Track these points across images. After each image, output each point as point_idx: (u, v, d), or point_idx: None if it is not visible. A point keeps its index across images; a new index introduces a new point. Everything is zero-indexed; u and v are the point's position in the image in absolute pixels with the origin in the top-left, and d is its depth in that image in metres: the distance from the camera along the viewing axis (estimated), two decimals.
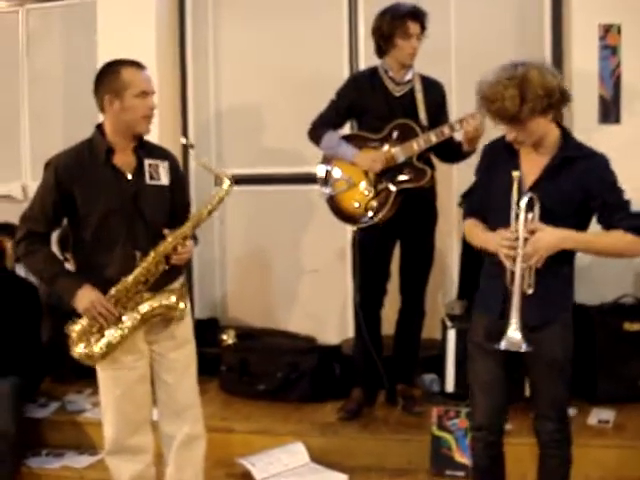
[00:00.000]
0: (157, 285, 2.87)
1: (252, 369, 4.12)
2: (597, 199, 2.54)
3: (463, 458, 3.41)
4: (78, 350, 2.84)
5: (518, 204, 2.49)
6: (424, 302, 3.83)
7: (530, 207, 2.48)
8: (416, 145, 3.54)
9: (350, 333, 4.25)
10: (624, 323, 3.92)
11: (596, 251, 2.63)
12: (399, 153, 3.58)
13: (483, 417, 2.75)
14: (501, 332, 2.53)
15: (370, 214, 3.63)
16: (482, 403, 2.74)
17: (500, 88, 2.41)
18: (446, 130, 3.48)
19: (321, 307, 4.74)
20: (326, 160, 3.76)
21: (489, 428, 2.76)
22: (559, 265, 2.57)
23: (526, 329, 2.50)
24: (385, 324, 3.87)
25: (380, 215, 3.61)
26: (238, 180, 3.00)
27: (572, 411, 3.77)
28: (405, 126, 3.57)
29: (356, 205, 3.65)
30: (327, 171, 3.75)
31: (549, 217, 2.51)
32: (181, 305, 2.90)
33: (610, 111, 4.24)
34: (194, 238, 2.96)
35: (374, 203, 3.61)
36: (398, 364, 3.90)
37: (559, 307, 2.66)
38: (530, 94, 2.40)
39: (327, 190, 3.74)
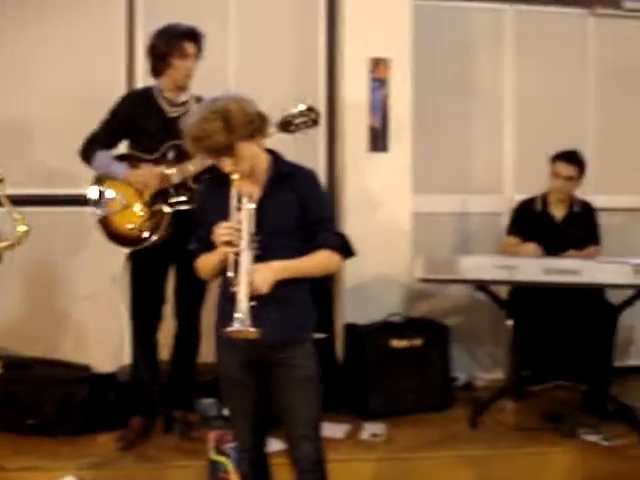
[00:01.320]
0: None
1: (20, 402, 3.88)
2: (310, 213, 2.67)
3: None
4: None
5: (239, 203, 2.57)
6: (199, 326, 3.81)
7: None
8: (192, 166, 3.52)
9: (127, 360, 4.12)
10: (392, 340, 4.13)
11: (309, 274, 2.71)
12: (174, 174, 3.55)
13: (247, 439, 2.80)
14: (256, 361, 2.65)
15: (144, 236, 3.56)
16: (244, 426, 2.79)
17: (205, 124, 2.50)
18: None
19: (96, 334, 4.57)
20: (99, 180, 3.67)
21: (253, 449, 2.81)
22: (293, 285, 2.64)
23: (276, 348, 2.60)
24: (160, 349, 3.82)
25: (154, 237, 3.56)
26: None
27: (345, 427, 3.91)
28: (180, 147, 3.51)
29: (130, 227, 3.57)
30: (100, 191, 3.65)
31: (277, 235, 2.61)
32: None
33: (379, 140, 4.48)
34: None
35: (148, 225, 3.56)
36: (175, 390, 3.84)
37: (306, 324, 2.76)
38: (234, 122, 2.51)
39: (99, 211, 3.63)
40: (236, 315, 2.45)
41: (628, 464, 3.74)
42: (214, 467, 3.42)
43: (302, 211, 2.65)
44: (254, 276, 2.51)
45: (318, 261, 2.67)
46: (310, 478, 2.74)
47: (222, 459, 3.42)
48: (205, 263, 2.72)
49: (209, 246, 2.63)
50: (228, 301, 2.60)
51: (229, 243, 2.53)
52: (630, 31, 5.20)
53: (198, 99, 3.67)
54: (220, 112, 2.50)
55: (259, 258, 2.54)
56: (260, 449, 2.84)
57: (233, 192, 2.58)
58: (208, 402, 4.02)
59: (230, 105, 2.53)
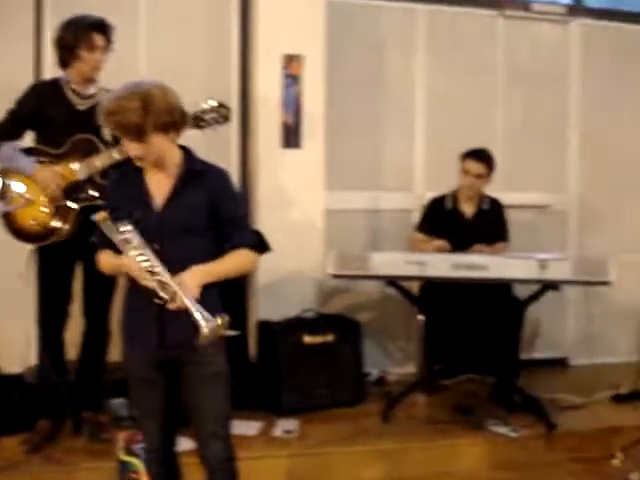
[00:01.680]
0: None
1: None
2: (221, 212, 2.63)
3: None
4: None
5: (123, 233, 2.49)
6: (109, 324, 3.73)
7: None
8: (98, 161, 3.44)
9: (34, 360, 4.00)
10: (304, 336, 4.14)
11: (230, 275, 2.65)
12: (80, 169, 3.46)
13: (155, 438, 2.76)
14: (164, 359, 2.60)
15: (48, 232, 3.47)
16: (152, 426, 2.74)
17: (124, 101, 2.45)
18: None
19: (2, 334, 4.41)
20: (2, 173, 3.55)
21: (162, 449, 2.77)
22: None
23: (184, 347, 2.54)
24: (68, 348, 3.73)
25: (59, 234, 3.47)
26: None
27: (258, 424, 3.90)
28: (87, 141, 3.47)
29: (33, 223, 3.47)
30: (3, 185, 3.53)
31: (187, 234, 2.57)
32: None
33: (292, 137, 4.48)
34: None
35: (53, 221, 3.46)
36: (84, 390, 3.75)
37: None
38: (153, 107, 2.46)
39: (1, 206, 3.51)
40: (204, 326, 2.38)
41: (535, 454, 3.86)
42: (124, 468, 3.37)
43: (213, 211, 2.61)
44: (184, 287, 2.45)
45: (237, 261, 2.64)
46: (220, 477, 2.71)
47: (132, 459, 3.36)
48: (108, 262, 2.65)
49: (112, 246, 2.56)
50: (139, 315, 2.58)
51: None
52: (538, 33, 5.35)
53: (107, 92, 3.59)
54: (141, 93, 2.45)
55: (170, 261, 2.49)
56: (169, 448, 2.80)
57: (106, 225, 2.49)
58: (118, 402, 3.94)
59: (153, 90, 2.48)
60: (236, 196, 2.75)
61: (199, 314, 2.40)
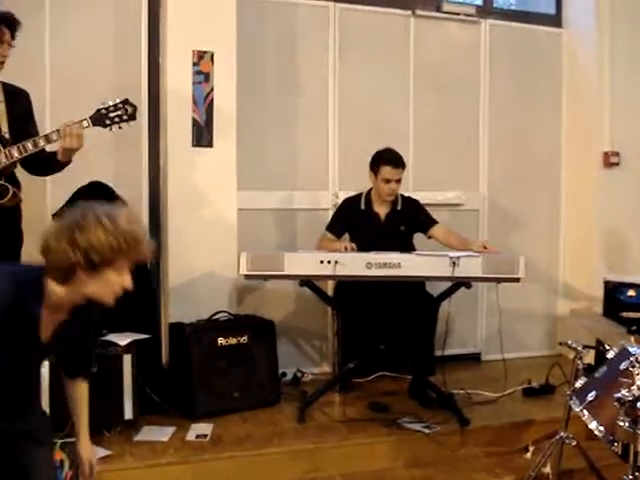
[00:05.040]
0: None
1: None
2: None
3: None
4: None
5: None
6: None
7: None
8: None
9: None
10: (218, 338, 4.06)
11: None
12: None
13: None
14: None
15: None
16: None
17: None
18: (41, 141, 3.27)
19: None
20: None
21: None
22: None
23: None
24: None
25: None
26: None
27: (171, 429, 3.81)
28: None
29: None
30: None
31: None
32: None
33: (203, 135, 4.39)
34: None
35: None
36: None
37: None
38: None
39: None
40: None
41: (449, 450, 3.88)
42: None
43: None
44: None
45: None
46: None
47: None
48: None
49: None
50: None
51: None
52: (449, 33, 5.40)
53: (6, 85, 3.43)
54: None
55: None
56: None
57: None
58: None
59: None
60: None
61: None
